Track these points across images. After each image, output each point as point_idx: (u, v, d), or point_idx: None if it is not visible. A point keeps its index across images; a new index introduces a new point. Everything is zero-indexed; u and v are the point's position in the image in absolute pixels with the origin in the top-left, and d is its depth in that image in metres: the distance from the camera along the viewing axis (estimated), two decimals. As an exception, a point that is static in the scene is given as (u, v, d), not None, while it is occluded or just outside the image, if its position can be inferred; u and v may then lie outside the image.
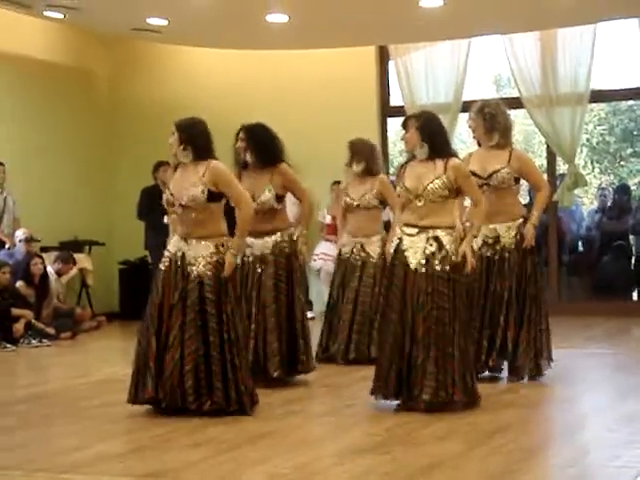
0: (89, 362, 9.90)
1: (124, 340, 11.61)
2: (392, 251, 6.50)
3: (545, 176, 12.19)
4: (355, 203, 8.81)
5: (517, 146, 7.91)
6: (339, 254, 8.97)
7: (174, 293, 6.34)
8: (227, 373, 6.26)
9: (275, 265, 7.48)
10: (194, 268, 6.35)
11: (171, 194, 6.47)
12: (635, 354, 9.22)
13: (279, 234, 7.53)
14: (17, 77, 12.56)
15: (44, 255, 11.67)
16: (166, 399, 6.26)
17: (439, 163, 6.40)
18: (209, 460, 5.23)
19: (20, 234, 11.54)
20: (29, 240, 11.54)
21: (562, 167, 12.99)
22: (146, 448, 5.58)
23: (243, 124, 7.65)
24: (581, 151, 19.22)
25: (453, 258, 6.33)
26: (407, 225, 6.45)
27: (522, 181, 7.74)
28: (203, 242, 6.37)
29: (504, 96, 16.79)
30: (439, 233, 6.36)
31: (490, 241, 7.45)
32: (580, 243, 14.39)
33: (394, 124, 13.67)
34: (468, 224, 6.79)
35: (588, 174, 19.13)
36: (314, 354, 7.99)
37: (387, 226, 9.17)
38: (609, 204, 14.00)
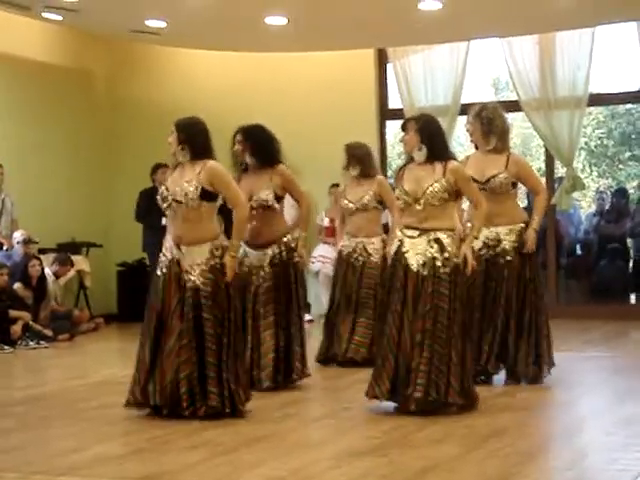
0: (87, 364, 9.89)
1: (122, 342, 11.62)
2: (392, 253, 6.49)
3: (543, 179, 12.23)
4: (354, 207, 8.81)
5: (515, 149, 7.93)
6: (339, 254, 8.97)
7: (171, 300, 6.34)
8: (222, 377, 6.26)
9: (273, 276, 7.45)
10: (190, 277, 6.34)
11: (166, 189, 6.48)
12: (633, 357, 9.22)
13: (275, 246, 7.49)
14: (15, 78, 12.55)
15: (42, 257, 11.66)
16: (166, 406, 6.26)
17: (438, 166, 6.40)
18: (206, 463, 5.23)
19: (18, 236, 11.54)
20: (27, 242, 11.53)
21: (560, 170, 13.00)
22: (144, 450, 5.58)
23: (240, 126, 7.63)
24: (579, 154, 19.24)
25: (455, 260, 6.33)
26: (408, 227, 6.45)
27: (520, 185, 7.73)
28: (197, 247, 6.35)
29: (502, 99, 16.81)
30: (440, 235, 6.36)
31: (491, 243, 7.45)
32: (578, 246, 14.41)
33: (393, 127, 13.69)
34: (469, 225, 6.79)
35: (586, 177, 19.16)
36: (314, 356, 7.97)
37: (386, 228, 9.18)
38: (607, 207, 14.03)
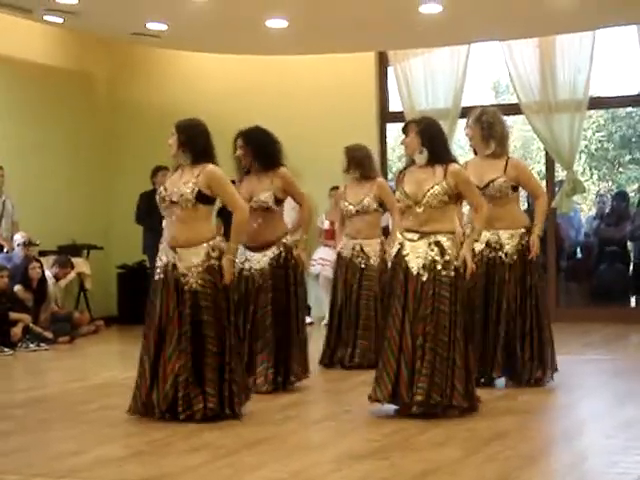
0: (87, 366, 9.89)
1: (122, 344, 11.63)
2: (393, 256, 6.49)
3: (544, 183, 12.24)
4: (354, 209, 8.81)
5: (515, 152, 7.93)
6: (338, 256, 8.97)
7: (169, 305, 6.34)
8: (223, 379, 6.26)
9: (273, 278, 7.44)
10: (188, 280, 6.33)
11: (164, 189, 6.48)
12: (633, 360, 9.22)
13: (275, 247, 7.49)
14: (16, 80, 12.55)
15: (42, 259, 11.66)
16: (168, 410, 6.27)
17: (439, 169, 6.40)
18: (207, 465, 5.23)
19: (19, 238, 11.53)
20: (27, 244, 11.53)
21: (561, 173, 13.00)
22: (144, 453, 5.58)
23: (240, 130, 7.62)
24: (579, 158, 19.23)
25: (455, 263, 6.33)
26: (408, 231, 6.44)
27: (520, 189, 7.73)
28: (192, 249, 6.35)
29: (503, 102, 16.84)
30: (440, 238, 6.36)
31: (493, 245, 7.44)
32: (578, 249, 14.41)
33: (393, 130, 13.69)
34: (469, 229, 6.78)
35: (586, 181, 19.15)
36: (316, 359, 7.96)
37: (386, 231, 9.18)
38: (607, 211, 14.03)
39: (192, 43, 12.56)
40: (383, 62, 13.19)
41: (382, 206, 8.82)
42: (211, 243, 6.38)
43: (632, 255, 13.77)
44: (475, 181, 7.23)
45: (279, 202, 7.58)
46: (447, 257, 6.32)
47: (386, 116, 13.29)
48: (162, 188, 6.51)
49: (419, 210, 6.38)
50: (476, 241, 6.77)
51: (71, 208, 13.17)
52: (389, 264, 6.66)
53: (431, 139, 6.42)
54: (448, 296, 6.28)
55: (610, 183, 20.51)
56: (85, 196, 13.50)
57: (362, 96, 13.08)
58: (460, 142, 15.39)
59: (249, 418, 6.36)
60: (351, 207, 8.82)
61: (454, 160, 6.54)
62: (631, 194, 15.64)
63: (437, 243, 6.35)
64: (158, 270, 6.43)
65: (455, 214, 6.64)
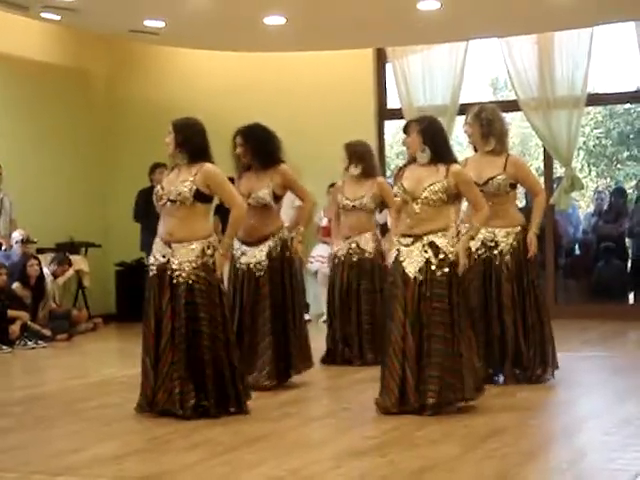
0: (86, 364, 9.89)
1: (121, 342, 11.63)
2: (391, 262, 6.49)
3: (542, 179, 12.24)
4: (351, 204, 8.80)
5: (514, 149, 7.93)
6: (334, 257, 8.95)
7: (162, 300, 6.34)
8: (224, 374, 6.27)
9: (270, 272, 7.43)
10: (181, 274, 6.33)
11: (162, 188, 6.48)
12: (632, 357, 9.22)
13: (271, 240, 7.48)
14: (14, 78, 12.55)
15: (40, 256, 11.66)
16: (165, 406, 6.27)
17: (441, 168, 6.38)
18: (205, 462, 5.23)
19: (17, 235, 11.53)
20: (26, 241, 11.52)
21: (559, 170, 13.00)
22: (143, 450, 5.58)
23: (239, 128, 7.60)
24: (578, 154, 19.22)
25: (450, 257, 6.33)
26: (402, 235, 6.45)
27: (519, 186, 7.72)
28: (187, 245, 6.34)
29: (501, 99, 16.82)
30: (434, 238, 6.35)
31: (488, 244, 7.44)
32: (576, 246, 14.41)
33: (391, 127, 13.69)
34: (467, 226, 6.77)
35: (585, 177, 19.13)
36: (318, 357, 7.96)
37: (383, 230, 9.17)
38: (605, 207, 14.02)
39: (190, 40, 12.56)
40: (381, 59, 13.19)
41: (379, 205, 8.82)
42: (206, 240, 6.38)
43: (630, 252, 13.77)
44: (474, 178, 7.23)
45: (277, 199, 7.57)
46: (441, 255, 6.32)
47: (384, 113, 13.28)
48: (159, 187, 6.52)
49: (415, 207, 6.37)
50: (472, 238, 6.76)
51: (69, 205, 13.17)
52: (387, 261, 6.67)
53: (433, 138, 6.41)
54: (446, 294, 6.28)
55: (608, 180, 20.50)
56: (83, 193, 13.50)
57: (360, 93, 13.08)
58: (458, 139, 15.37)
59: (248, 415, 6.36)
60: (348, 201, 8.81)
61: (456, 160, 6.54)
62: (629, 190, 15.60)
63: (431, 244, 6.34)
64: (152, 266, 6.44)
65: (450, 214, 6.61)
